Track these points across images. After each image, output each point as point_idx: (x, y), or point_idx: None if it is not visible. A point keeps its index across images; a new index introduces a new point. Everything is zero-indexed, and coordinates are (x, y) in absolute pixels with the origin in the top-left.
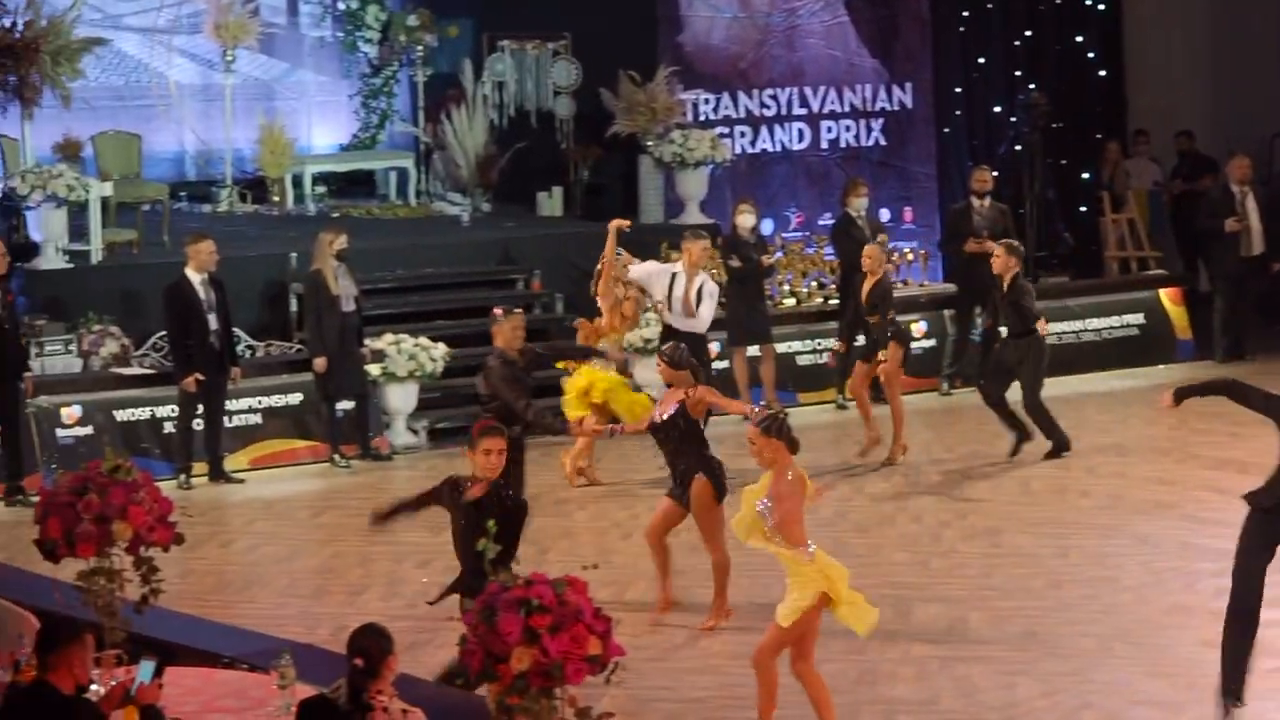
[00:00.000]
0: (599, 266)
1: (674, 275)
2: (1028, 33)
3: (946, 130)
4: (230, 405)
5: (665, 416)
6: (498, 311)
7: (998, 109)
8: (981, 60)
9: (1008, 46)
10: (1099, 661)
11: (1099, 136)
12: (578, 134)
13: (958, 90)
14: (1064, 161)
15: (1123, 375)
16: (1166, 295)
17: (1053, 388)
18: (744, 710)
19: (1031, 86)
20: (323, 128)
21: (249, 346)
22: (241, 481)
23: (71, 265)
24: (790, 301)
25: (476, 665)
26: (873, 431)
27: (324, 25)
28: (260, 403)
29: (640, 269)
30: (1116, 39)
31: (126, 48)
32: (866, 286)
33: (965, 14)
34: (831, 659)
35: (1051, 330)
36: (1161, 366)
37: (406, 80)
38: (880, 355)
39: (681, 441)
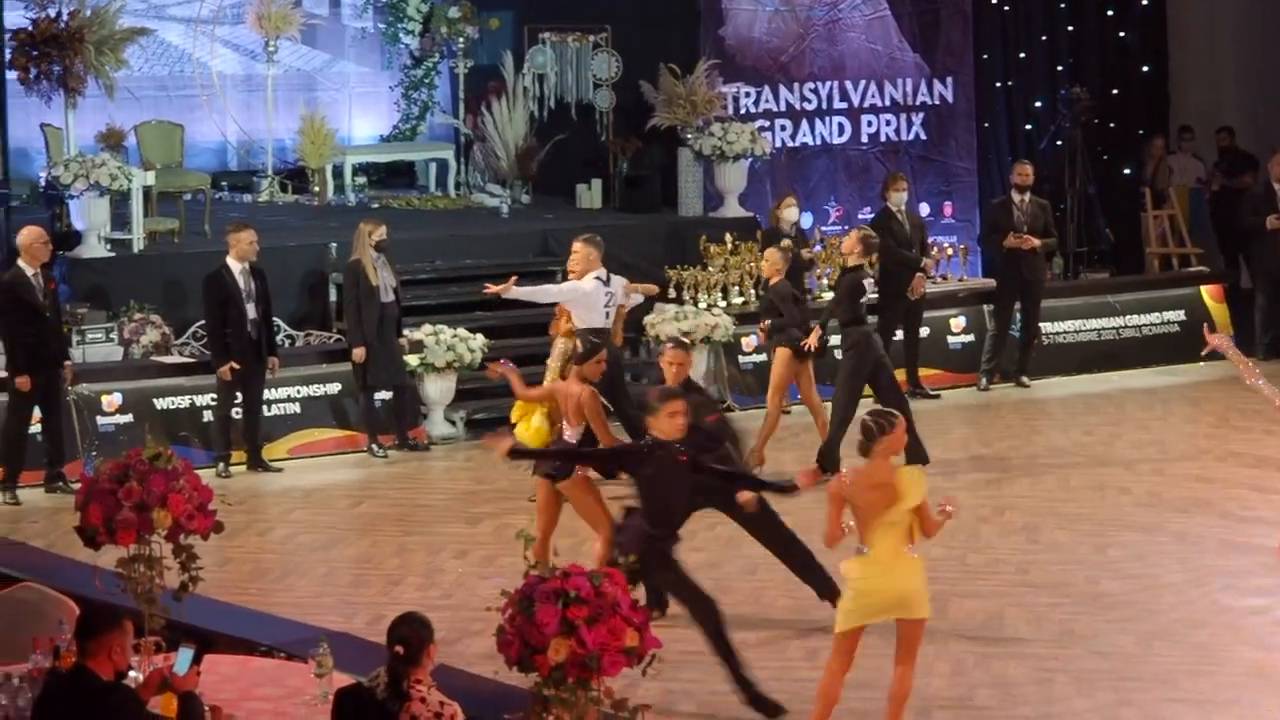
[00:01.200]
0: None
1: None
2: (1070, 28)
3: (987, 125)
4: (269, 394)
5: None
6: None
7: (1039, 104)
8: (1023, 55)
9: (1050, 41)
10: (1138, 659)
11: (1141, 133)
12: (617, 126)
13: (999, 85)
14: (1105, 157)
15: (1163, 372)
16: (1208, 292)
17: (1094, 384)
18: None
19: (1073, 82)
20: (363, 119)
21: (288, 336)
22: (279, 470)
23: (113, 254)
24: (828, 295)
25: (513, 656)
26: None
27: (366, 17)
28: (299, 392)
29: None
30: (1160, 35)
31: (170, 38)
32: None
33: (1007, 8)
34: (866, 655)
35: (1092, 326)
36: (1202, 364)
37: (447, 72)
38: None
39: None
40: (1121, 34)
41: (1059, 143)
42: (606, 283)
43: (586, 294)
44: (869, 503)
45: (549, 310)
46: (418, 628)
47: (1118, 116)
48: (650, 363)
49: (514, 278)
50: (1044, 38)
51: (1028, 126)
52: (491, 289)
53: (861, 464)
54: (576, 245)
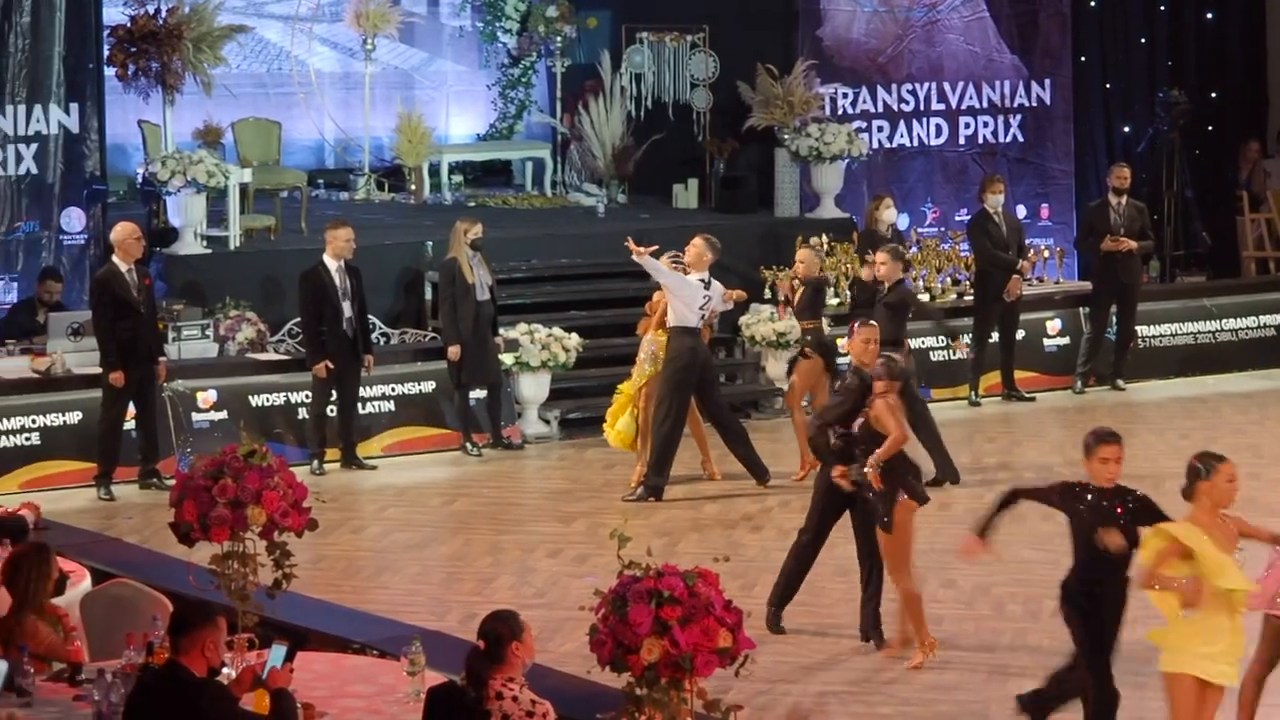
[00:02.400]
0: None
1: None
2: (1169, 30)
3: (1085, 127)
4: (364, 392)
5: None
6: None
7: (1137, 106)
8: (1121, 58)
9: (1149, 43)
10: None
11: (1239, 136)
12: (714, 126)
13: (1097, 87)
14: (1203, 160)
15: (1259, 376)
16: None
17: (1189, 387)
18: (869, 706)
19: (1172, 85)
20: (460, 117)
21: (384, 334)
22: (374, 468)
23: (210, 251)
24: (924, 297)
25: (606, 655)
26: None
27: (464, 15)
28: (393, 390)
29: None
30: (1259, 38)
31: (268, 35)
32: (798, 293)
33: (1106, 11)
34: (962, 658)
35: (1188, 330)
36: None
37: (545, 71)
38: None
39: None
40: (1220, 37)
41: (1156, 145)
42: (706, 286)
43: (691, 288)
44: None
45: (641, 311)
46: (504, 623)
47: (1216, 119)
48: (746, 363)
49: (654, 247)
50: (1142, 40)
51: (1125, 129)
52: (634, 247)
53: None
54: (697, 240)
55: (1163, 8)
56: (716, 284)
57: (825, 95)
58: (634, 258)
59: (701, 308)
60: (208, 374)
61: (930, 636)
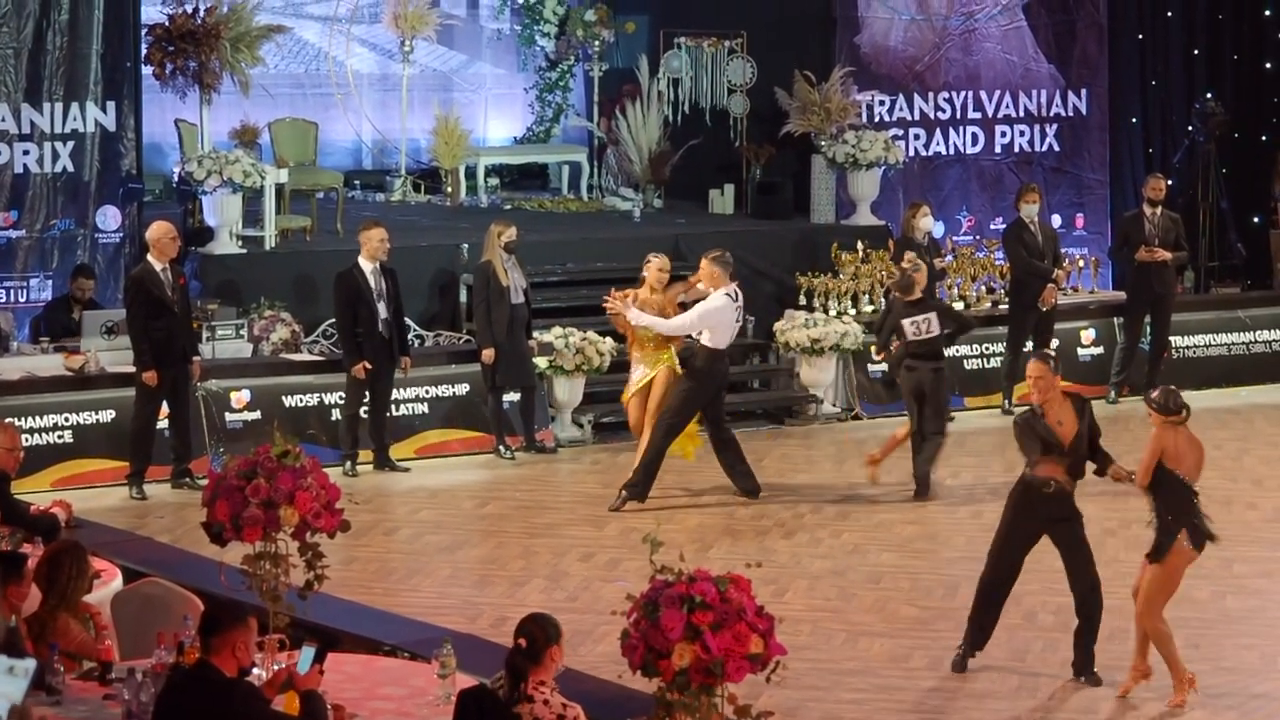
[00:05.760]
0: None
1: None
2: (1206, 41)
3: (1120, 137)
4: (397, 394)
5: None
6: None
7: (1174, 117)
8: (1158, 68)
9: (1186, 55)
10: (1262, 675)
11: (1275, 147)
12: (751, 132)
13: (1133, 97)
14: (1239, 171)
15: None
16: None
17: (1223, 398)
18: (899, 713)
19: (1209, 95)
20: (498, 120)
21: (418, 336)
22: (406, 470)
23: (245, 251)
24: (959, 305)
25: (637, 660)
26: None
27: (502, 18)
28: (427, 392)
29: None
30: None
31: (306, 36)
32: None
33: (1143, 21)
34: (990, 667)
35: (1222, 341)
36: None
37: (582, 75)
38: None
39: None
40: (1257, 48)
41: (1192, 156)
42: (736, 299)
43: (719, 310)
44: None
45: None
46: (543, 626)
47: (1252, 129)
48: (780, 369)
49: (628, 295)
50: (1179, 51)
51: (1161, 139)
52: (614, 306)
53: None
54: (704, 264)
55: (1199, 19)
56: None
57: (862, 102)
58: (631, 319)
59: (737, 321)
60: (241, 374)
61: (1188, 671)
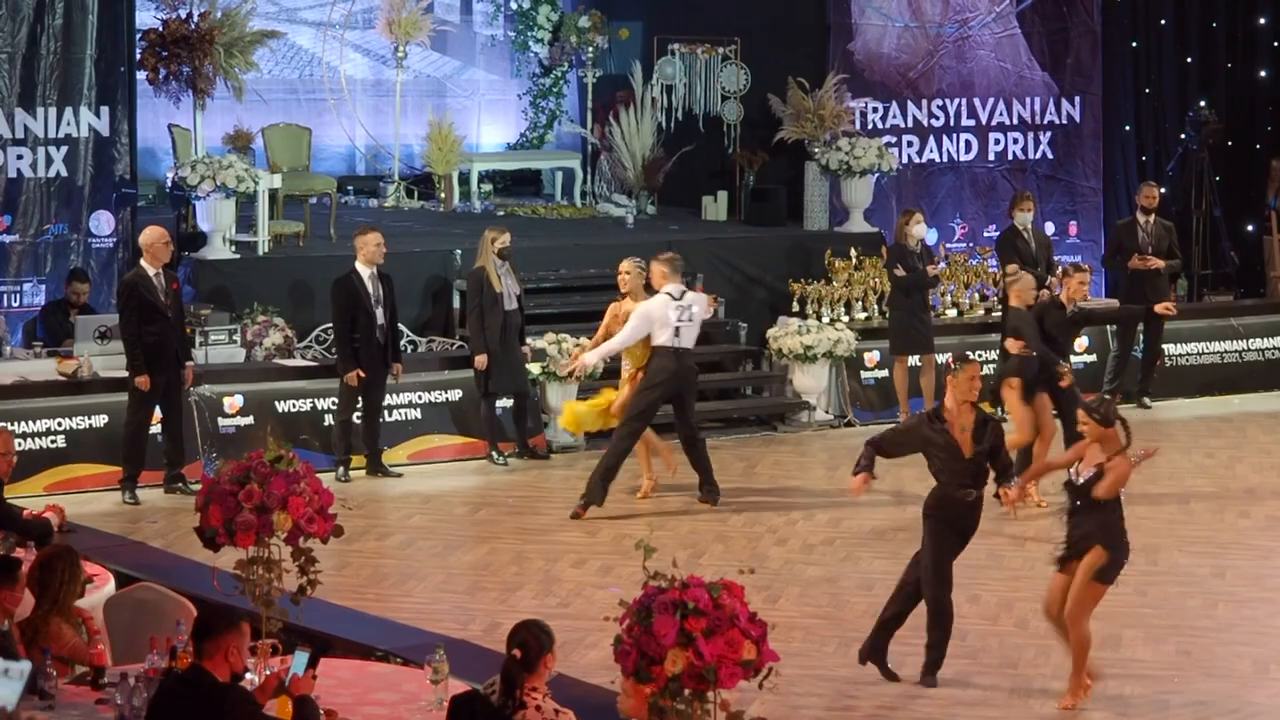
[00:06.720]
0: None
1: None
2: (1199, 50)
3: (1114, 145)
4: (390, 400)
5: (1084, 478)
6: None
7: (1167, 125)
8: (1152, 76)
9: (1179, 63)
10: (1254, 683)
11: (1268, 155)
12: (744, 139)
13: (1127, 105)
14: (1233, 179)
15: None
16: None
17: (1215, 406)
18: None
19: (1202, 103)
20: (491, 126)
21: (411, 341)
22: (399, 476)
23: (238, 256)
24: (952, 312)
25: (630, 666)
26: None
27: (496, 24)
28: (420, 398)
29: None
30: None
31: (300, 41)
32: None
33: (1137, 29)
34: (984, 673)
35: (1215, 349)
36: None
37: (576, 81)
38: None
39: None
40: (1249, 56)
41: (1185, 164)
42: (679, 297)
43: (651, 310)
44: None
45: None
46: (538, 634)
47: (1245, 138)
48: (773, 375)
49: (578, 353)
50: (1172, 60)
51: (1155, 147)
52: (575, 369)
53: None
54: (653, 265)
55: (1193, 27)
56: (691, 293)
57: (856, 109)
58: (580, 371)
59: (680, 320)
60: (234, 379)
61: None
